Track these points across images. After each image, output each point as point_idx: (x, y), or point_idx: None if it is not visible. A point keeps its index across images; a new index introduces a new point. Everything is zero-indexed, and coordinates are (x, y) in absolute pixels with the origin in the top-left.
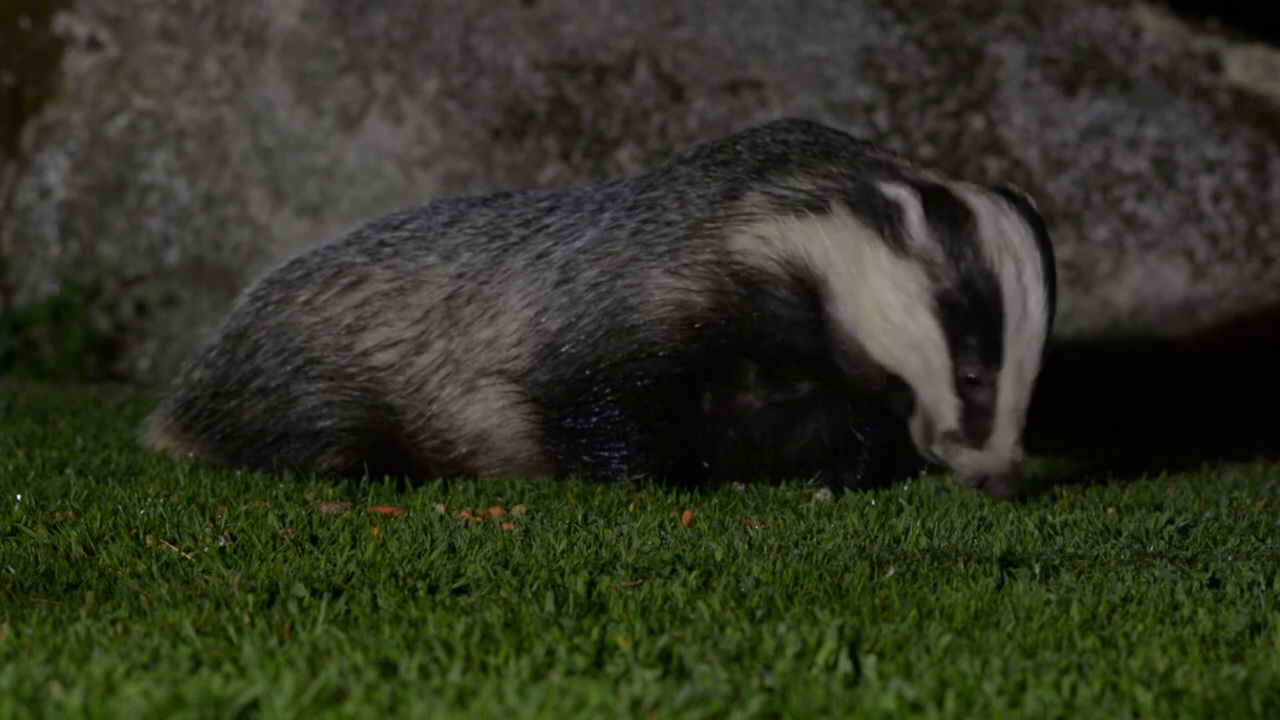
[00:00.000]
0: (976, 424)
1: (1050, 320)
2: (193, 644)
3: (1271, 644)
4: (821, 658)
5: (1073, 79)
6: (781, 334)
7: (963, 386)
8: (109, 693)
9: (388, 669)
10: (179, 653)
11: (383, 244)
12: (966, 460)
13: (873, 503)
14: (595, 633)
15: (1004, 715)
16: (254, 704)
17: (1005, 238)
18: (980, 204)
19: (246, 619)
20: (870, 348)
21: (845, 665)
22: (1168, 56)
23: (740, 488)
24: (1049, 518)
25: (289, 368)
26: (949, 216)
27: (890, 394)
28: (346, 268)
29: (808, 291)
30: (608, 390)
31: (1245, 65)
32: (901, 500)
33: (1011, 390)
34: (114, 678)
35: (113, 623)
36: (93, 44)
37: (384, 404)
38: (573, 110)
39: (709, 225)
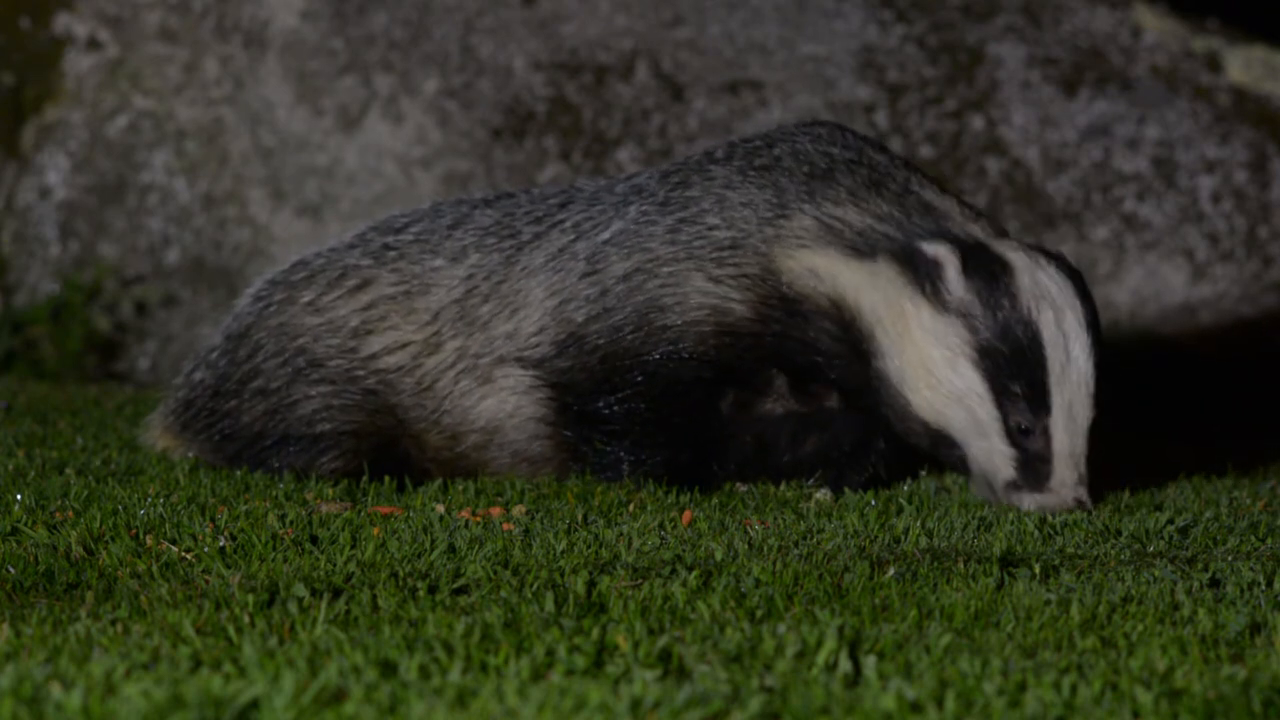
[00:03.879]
0: (1034, 470)
1: (1098, 367)
2: (193, 644)
3: (1271, 644)
4: (821, 658)
5: (1073, 79)
6: (820, 358)
7: (1015, 436)
8: (109, 693)
9: (388, 669)
10: (179, 653)
11: (387, 247)
12: (1030, 504)
13: (873, 503)
14: (595, 633)
15: (1004, 715)
16: (254, 704)
17: (1042, 287)
18: (1017, 258)
19: (246, 619)
20: (915, 403)
21: (845, 665)
22: (1168, 56)
23: (743, 488)
24: (1049, 518)
25: (290, 369)
26: (986, 270)
27: (939, 450)
28: (351, 270)
29: (853, 337)
30: (629, 382)
31: (1245, 65)
32: (901, 500)
33: (1065, 435)
34: (114, 678)
35: (113, 623)
36: (93, 44)
37: (388, 406)
38: (573, 110)
39: (755, 240)
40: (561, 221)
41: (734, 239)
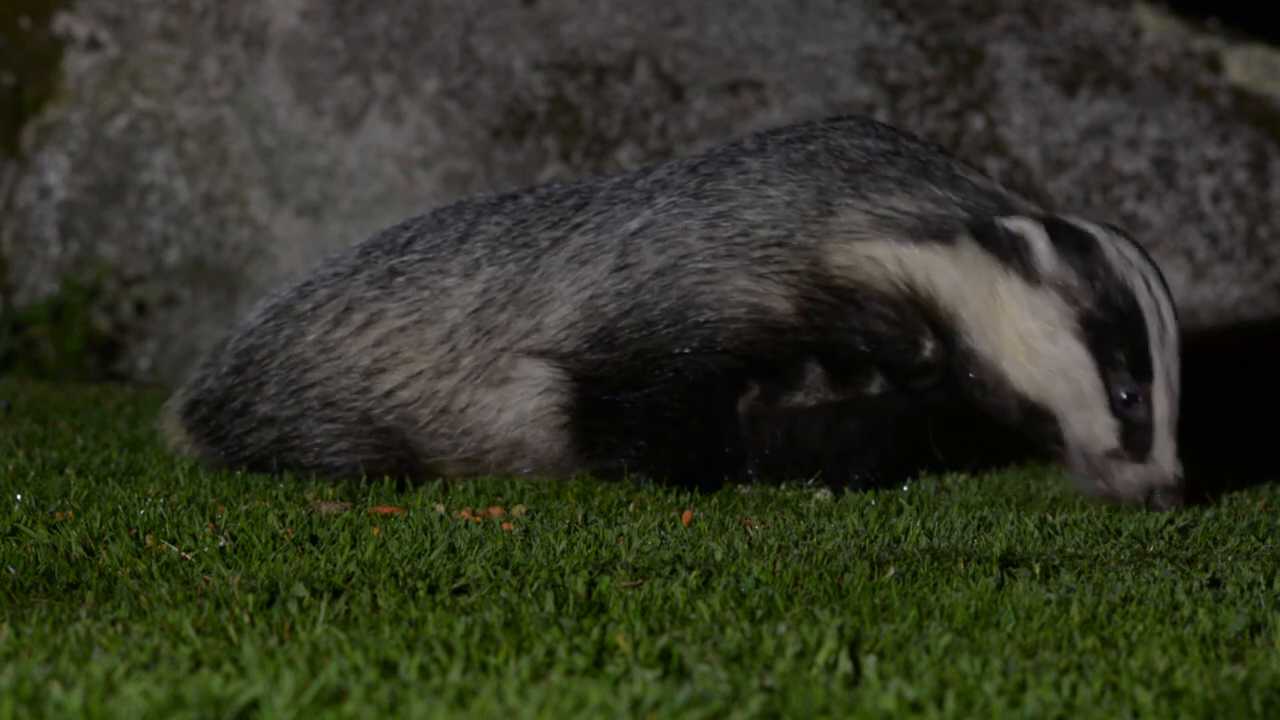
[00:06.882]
0: (1136, 439)
1: (1181, 334)
2: (193, 644)
3: (1271, 644)
4: (821, 658)
5: (1073, 79)
6: (874, 345)
7: (1118, 405)
8: (109, 693)
9: (388, 669)
10: (179, 653)
11: (393, 271)
12: (1130, 477)
13: (873, 503)
14: (595, 633)
15: (1004, 715)
16: (254, 704)
17: (1126, 256)
18: (1095, 230)
19: (246, 619)
20: (1014, 377)
21: (845, 665)
22: (1168, 56)
23: (744, 489)
24: (1049, 518)
25: (300, 405)
26: (1074, 242)
27: (1031, 425)
28: (356, 304)
29: (918, 319)
30: (657, 379)
31: (1245, 65)
32: (901, 500)
33: (1165, 401)
34: (114, 678)
35: (113, 623)
36: (93, 44)
37: (403, 441)
38: (573, 110)
39: (802, 237)
40: (580, 224)
41: (779, 237)
